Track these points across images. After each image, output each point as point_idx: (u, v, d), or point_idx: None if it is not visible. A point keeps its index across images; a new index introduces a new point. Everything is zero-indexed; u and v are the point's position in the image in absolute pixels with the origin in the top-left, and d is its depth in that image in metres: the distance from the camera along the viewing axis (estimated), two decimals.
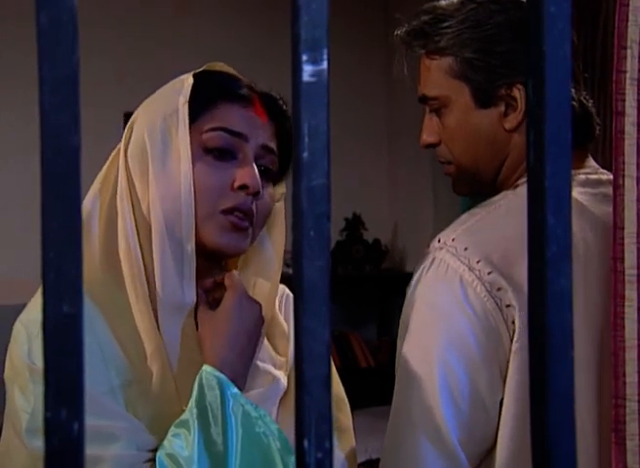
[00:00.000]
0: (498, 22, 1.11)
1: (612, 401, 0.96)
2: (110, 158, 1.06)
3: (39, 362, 0.93)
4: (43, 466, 0.32)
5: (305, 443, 0.34)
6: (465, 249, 1.05)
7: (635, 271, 0.94)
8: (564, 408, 0.37)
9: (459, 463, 1.02)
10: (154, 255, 0.99)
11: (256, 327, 1.03)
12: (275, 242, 1.10)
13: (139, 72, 3.85)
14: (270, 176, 1.06)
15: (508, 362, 1.02)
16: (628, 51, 0.95)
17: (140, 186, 1.01)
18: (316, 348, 0.34)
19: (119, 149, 1.05)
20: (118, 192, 1.02)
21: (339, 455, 1.07)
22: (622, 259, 0.95)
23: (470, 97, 1.13)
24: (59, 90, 0.32)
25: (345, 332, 4.30)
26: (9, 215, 3.86)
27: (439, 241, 1.09)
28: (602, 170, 1.18)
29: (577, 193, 1.12)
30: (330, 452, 0.34)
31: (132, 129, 1.04)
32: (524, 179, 1.11)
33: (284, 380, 1.07)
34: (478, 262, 1.03)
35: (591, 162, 1.19)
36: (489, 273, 1.03)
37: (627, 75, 0.95)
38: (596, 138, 1.23)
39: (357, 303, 4.49)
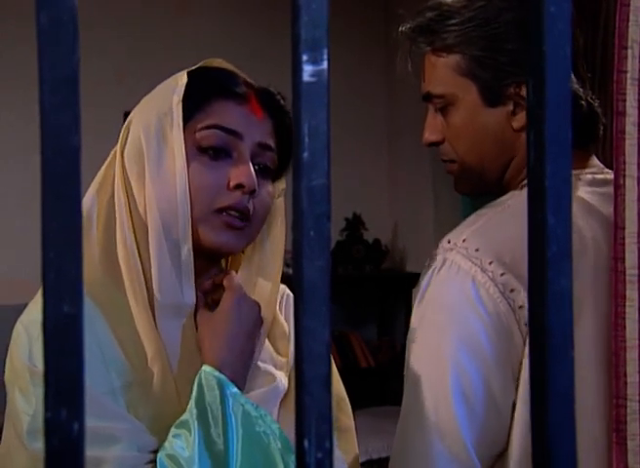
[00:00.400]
0: (506, 20, 1.10)
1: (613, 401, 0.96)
2: (109, 158, 1.06)
3: (40, 364, 0.93)
4: (43, 467, 0.32)
5: (306, 443, 0.34)
6: (477, 250, 1.04)
7: (636, 271, 0.94)
8: (564, 408, 0.37)
9: (471, 466, 1.01)
10: (151, 257, 0.99)
11: (255, 327, 1.03)
12: (275, 238, 1.10)
13: (139, 72, 3.85)
14: (268, 174, 1.05)
15: (521, 363, 1.00)
16: (629, 51, 0.95)
17: (136, 187, 1.01)
18: (316, 348, 0.34)
19: (116, 149, 1.05)
20: (115, 193, 1.02)
21: (340, 456, 1.07)
22: (623, 259, 0.94)
23: (478, 95, 1.12)
24: (59, 90, 0.32)
25: (345, 332, 4.30)
26: (9, 215, 3.87)
27: (449, 242, 1.07)
28: (607, 169, 1.17)
29: (584, 193, 1.12)
30: (330, 452, 0.34)
31: (128, 129, 1.04)
32: None
33: (285, 381, 1.07)
34: (490, 263, 1.02)
35: (595, 161, 1.18)
36: (502, 274, 1.01)
37: (628, 75, 0.95)
38: (597, 140, 1.23)
39: (357, 303, 4.49)
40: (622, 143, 0.94)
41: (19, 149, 3.73)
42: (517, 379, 1.01)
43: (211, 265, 1.07)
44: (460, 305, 1.03)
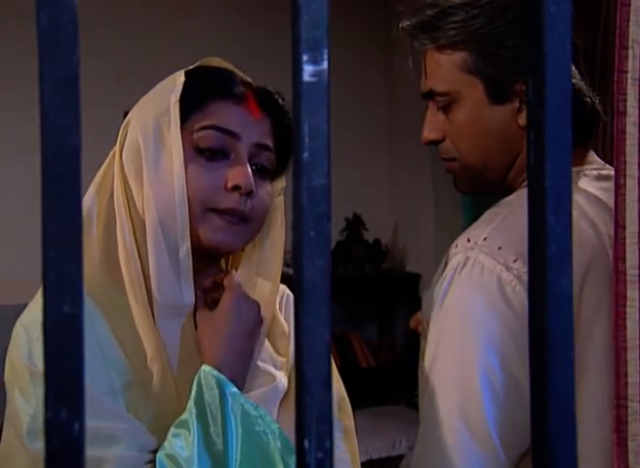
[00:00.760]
0: (511, 18, 1.10)
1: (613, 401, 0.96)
2: (108, 158, 1.06)
3: (40, 364, 0.93)
4: (44, 467, 0.32)
5: (306, 443, 0.34)
6: (499, 248, 1.03)
7: (637, 271, 0.94)
8: (564, 408, 0.37)
9: (501, 464, 1.00)
10: (150, 257, 0.99)
11: (254, 326, 1.03)
12: (275, 237, 1.10)
13: (139, 72, 3.85)
14: (266, 174, 1.05)
15: None
16: (630, 51, 0.95)
17: (135, 187, 1.01)
18: (316, 348, 0.34)
19: (116, 149, 1.05)
20: (115, 193, 1.02)
21: (347, 458, 1.06)
22: (624, 259, 0.94)
23: (484, 92, 1.11)
24: (59, 90, 0.32)
25: (346, 332, 4.30)
26: (9, 215, 3.87)
27: (469, 241, 1.06)
28: (608, 165, 1.16)
29: (593, 189, 1.11)
30: (330, 452, 0.34)
31: (126, 129, 1.04)
32: None
33: (284, 381, 1.07)
34: (515, 261, 1.02)
35: (595, 157, 1.18)
36: (526, 272, 1.01)
37: (629, 75, 0.95)
38: (596, 138, 1.22)
39: (357, 303, 4.49)
40: (623, 143, 0.94)
41: (19, 149, 3.73)
42: None
43: (210, 265, 1.07)
44: (485, 304, 1.02)
